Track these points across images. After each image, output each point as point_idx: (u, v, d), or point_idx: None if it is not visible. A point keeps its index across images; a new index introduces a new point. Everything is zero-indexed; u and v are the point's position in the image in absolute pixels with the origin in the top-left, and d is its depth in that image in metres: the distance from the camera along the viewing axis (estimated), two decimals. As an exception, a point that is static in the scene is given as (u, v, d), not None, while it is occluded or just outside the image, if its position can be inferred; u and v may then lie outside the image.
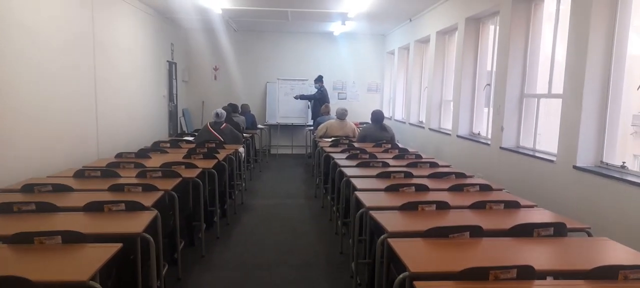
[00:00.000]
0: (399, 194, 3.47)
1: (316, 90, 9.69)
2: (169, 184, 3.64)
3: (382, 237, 2.57)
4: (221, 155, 5.25)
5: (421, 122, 8.39)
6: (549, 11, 4.74)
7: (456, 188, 3.62)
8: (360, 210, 3.18)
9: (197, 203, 4.23)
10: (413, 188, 3.58)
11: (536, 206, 3.20)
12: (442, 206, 3.05)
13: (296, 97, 10.05)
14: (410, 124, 8.57)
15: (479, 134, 6.01)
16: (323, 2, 7.47)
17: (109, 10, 6.05)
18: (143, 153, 5.04)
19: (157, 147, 5.75)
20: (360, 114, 10.69)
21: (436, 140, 7.15)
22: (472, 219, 2.88)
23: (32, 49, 4.21)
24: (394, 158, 5.22)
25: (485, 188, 3.65)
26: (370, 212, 2.93)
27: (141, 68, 7.35)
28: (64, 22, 4.80)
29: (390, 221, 2.73)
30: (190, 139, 6.93)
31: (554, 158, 4.14)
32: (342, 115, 7.31)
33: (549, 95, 4.52)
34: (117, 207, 2.90)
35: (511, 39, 4.85)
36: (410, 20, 8.52)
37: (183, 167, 4.39)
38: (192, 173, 4.12)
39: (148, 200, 3.11)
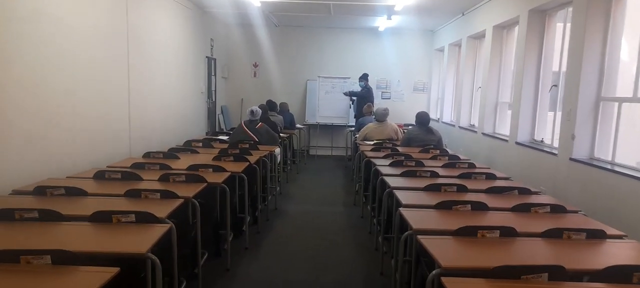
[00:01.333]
0: (451, 214, 2.94)
1: (363, 88, 9.17)
2: (192, 190, 3.29)
3: (433, 272, 2.07)
4: (254, 157, 4.88)
5: (473, 125, 7.71)
6: (633, 1, 4.02)
7: (522, 209, 3.04)
8: (406, 233, 2.68)
9: (224, 211, 3.86)
10: (469, 206, 3.04)
11: (626, 236, 2.58)
12: (508, 232, 2.50)
13: (345, 93, 9.58)
14: (461, 127, 7.90)
15: (542, 141, 5.32)
16: (368, -5, 6.97)
17: (145, 2, 5.82)
18: (172, 153, 4.74)
19: (188, 147, 5.46)
20: (405, 115, 10.10)
21: (490, 146, 6.48)
22: (547, 253, 2.33)
23: (61, 40, 3.98)
24: (444, 166, 4.66)
25: (557, 209, 3.05)
26: (418, 236, 2.43)
27: (178, 63, 7.13)
28: (95, 13, 4.56)
29: (444, 251, 2.23)
30: (225, 138, 6.62)
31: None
32: (381, 116, 6.78)
33: (635, 99, 3.81)
34: (127, 218, 2.55)
35: (587, 33, 4.16)
36: (463, 14, 7.84)
37: (211, 170, 4.04)
38: (219, 178, 3.76)
39: (164, 209, 2.76)
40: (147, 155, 4.66)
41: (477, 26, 7.24)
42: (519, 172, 5.30)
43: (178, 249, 2.85)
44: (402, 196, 3.33)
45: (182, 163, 4.34)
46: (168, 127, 6.65)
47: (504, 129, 6.59)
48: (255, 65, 10.36)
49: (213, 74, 9.17)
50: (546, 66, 5.38)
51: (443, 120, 9.11)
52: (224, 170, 4.05)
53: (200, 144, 5.62)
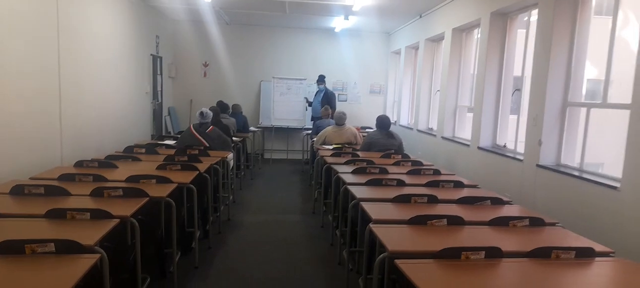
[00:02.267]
0: (427, 231, 2.66)
1: (321, 91, 8.77)
2: (131, 207, 2.82)
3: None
4: (204, 164, 4.43)
5: (431, 129, 7.60)
6: (600, 3, 3.95)
7: (500, 223, 2.82)
8: (382, 256, 2.36)
9: (170, 228, 3.40)
10: (444, 221, 2.77)
11: (613, 253, 2.41)
12: (493, 253, 2.25)
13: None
14: (419, 130, 7.77)
15: (505, 146, 5.22)
16: (325, -7, 6.67)
17: (79, -8, 5.19)
18: (109, 161, 4.19)
19: (129, 153, 4.90)
20: (362, 117, 9.91)
21: (450, 150, 6.35)
22: (540, 276, 2.09)
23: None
24: (409, 173, 4.42)
25: (536, 222, 2.85)
26: (397, 261, 2.13)
27: (119, 60, 6.50)
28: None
29: (427, 279, 1.93)
30: (172, 143, 6.08)
31: (616, 184, 3.35)
32: (340, 119, 6.51)
33: (605, 104, 3.73)
34: (44, 247, 2.06)
35: (554, 36, 4.06)
36: (421, 16, 7.72)
37: (154, 182, 3.57)
38: (164, 191, 3.30)
39: (94, 234, 2.29)
40: (79, 164, 4.08)
41: (435, 28, 7.13)
42: (483, 177, 5.17)
43: (113, 276, 2.40)
44: (370, 209, 3.03)
45: (121, 173, 3.82)
46: (107, 130, 6.02)
47: (464, 133, 6.50)
48: (206, 65, 9.79)
49: (159, 73, 8.53)
50: (508, 70, 5.29)
51: (400, 123, 8.98)
52: (169, 181, 3.58)
53: (143, 150, 5.07)
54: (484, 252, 2.23)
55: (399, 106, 9.16)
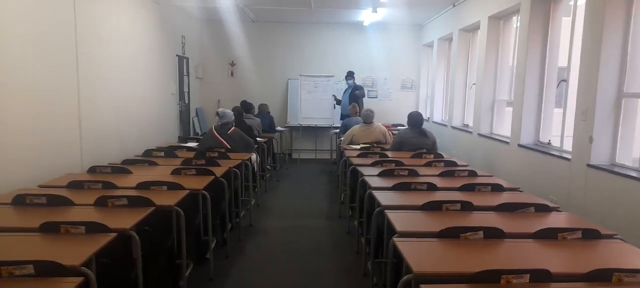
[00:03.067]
0: (460, 246, 2.31)
1: (350, 87, 8.47)
2: (133, 218, 2.63)
3: None
4: (222, 168, 4.20)
5: (467, 125, 7.12)
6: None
7: (547, 235, 2.42)
8: (406, 278, 2.03)
9: (180, 238, 3.18)
10: (481, 233, 2.40)
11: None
12: (541, 277, 1.88)
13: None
14: (453, 127, 7.31)
15: (549, 143, 4.73)
16: (351, -15, 6.33)
17: (97, -7, 5.08)
18: (123, 167, 4.04)
19: (147, 157, 4.75)
20: (393, 114, 9.49)
21: (488, 148, 5.89)
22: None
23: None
24: (441, 175, 4.04)
25: (591, 234, 2.43)
26: (423, 286, 1.79)
27: (143, 61, 6.39)
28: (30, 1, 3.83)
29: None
30: (194, 145, 5.91)
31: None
32: (367, 118, 6.16)
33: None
34: (22, 269, 1.85)
35: (606, 20, 3.58)
36: (454, 5, 7.25)
37: (165, 188, 3.36)
38: (173, 199, 3.08)
39: (84, 251, 2.08)
40: (92, 170, 3.94)
41: (470, 17, 6.65)
42: (525, 178, 4.71)
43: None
44: (396, 218, 2.70)
45: (133, 179, 3.63)
46: (130, 133, 5.91)
47: (503, 130, 6.02)
48: (232, 64, 9.65)
49: (185, 73, 8.43)
50: (551, 59, 4.80)
51: (433, 120, 8.52)
52: (181, 187, 3.37)
53: (162, 154, 4.91)
54: (528, 276, 1.87)
55: (432, 102, 8.70)
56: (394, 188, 3.51)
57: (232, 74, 9.68)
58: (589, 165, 3.70)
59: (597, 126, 3.65)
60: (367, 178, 3.86)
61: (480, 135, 6.13)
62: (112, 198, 2.93)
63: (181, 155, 4.96)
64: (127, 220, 2.59)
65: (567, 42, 4.53)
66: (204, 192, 3.48)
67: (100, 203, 2.90)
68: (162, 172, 4.04)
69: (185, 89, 8.45)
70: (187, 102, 8.50)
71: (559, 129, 4.70)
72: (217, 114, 5.34)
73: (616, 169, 3.55)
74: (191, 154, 4.92)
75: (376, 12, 7.67)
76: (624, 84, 3.61)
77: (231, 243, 4.30)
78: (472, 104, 6.85)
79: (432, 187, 3.53)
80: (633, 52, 3.58)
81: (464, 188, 3.53)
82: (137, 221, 2.63)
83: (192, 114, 8.89)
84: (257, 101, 8.62)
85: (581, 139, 3.82)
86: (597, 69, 3.62)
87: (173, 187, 3.38)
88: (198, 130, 8.98)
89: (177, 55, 7.95)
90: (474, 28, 6.83)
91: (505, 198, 3.32)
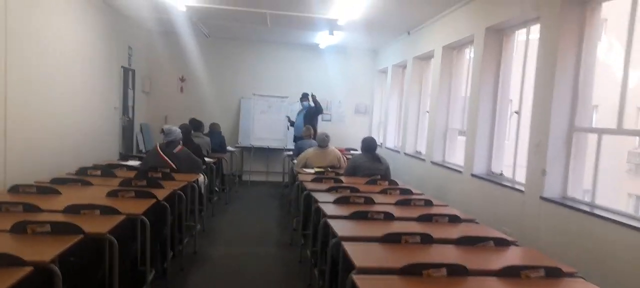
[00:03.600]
0: (425, 283, 2.18)
1: (304, 108, 8.33)
2: (54, 249, 2.27)
3: None
4: (166, 190, 3.87)
5: (419, 152, 7.15)
6: (611, 20, 3.56)
7: (511, 273, 2.32)
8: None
9: (112, 269, 2.83)
10: (444, 271, 2.27)
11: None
12: (511, 322, 1.74)
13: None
14: (406, 154, 7.32)
15: (501, 174, 4.77)
16: (309, 6, 6.23)
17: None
18: (50, 186, 3.60)
19: (81, 176, 4.31)
20: (346, 138, 9.43)
21: (440, 176, 5.89)
22: None
23: None
24: (398, 204, 3.92)
25: (553, 272, 2.36)
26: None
27: (83, 71, 5.92)
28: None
29: None
30: (136, 163, 5.50)
31: (634, 223, 2.90)
32: (322, 141, 6.01)
33: (620, 130, 3.30)
34: None
35: (558, 54, 3.65)
36: (409, 33, 7.34)
37: (97, 212, 3.01)
38: (105, 225, 2.75)
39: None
40: (14, 189, 3.49)
41: (424, 46, 6.74)
42: (478, 208, 4.70)
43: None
44: (354, 251, 2.53)
45: (61, 201, 3.23)
46: (65, 148, 5.41)
47: (455, 158, 6.06)
48: (182, 80, 9.25)
49: (130, 87, 7.95)
50: (503, 91, 4.89)
51: (386, 146, 8.53)
52: (116, 212, 3.02)
53: (98, 172, 4.48)
54: (499, 322, 1.73)
55: (385, 127, 8.72)
56: (351, 217, 3.33)
57: (181, 90, 9.27)
58: (542, 198, 3.72)
59: (550, 159, 3.69)
60: (322, 205, 3.68)
61: (433, 163, 6.14)
62: (33, 223, 2.56)
63: (120, 174, 4.56)
64: (48, 251, 2.25)
65: (518, 74, 4.62)
66: (142, 217, 3.15)
67: (18, 229, 2.52)
68: (96, 193, 3.65)
69: (130, 103, 7.96)
70: (131, 116, 8.00)
71: (510, 160, 4.76)
72: (163, 131, 5.00)
73: (568, 202, 3.59)
74: (132, 174, 4.53)
75: (332, 34, 7.62)
76: (575, 117, 3.69)
77: (172, 274, 3.94)
78: (425, 131, 6.89)
79: (389, 217, 3.40)
80: (584, 88, 3.67)
81: (421, 219, 3.42)
82: (60, 251, 2.29)
83: (136, 129, 8.39)
84: (208, 119, 8.25)
85: (534, 171, 3.85)
86: (549, 103, 3.68)
87: (107, 211, 3.03)
88: (142, 147, 8.46)
89: (122, 66, 7.50)
90: (428, 57, 6.93)
91: (462, 230, 3.24)
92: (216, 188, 7.30)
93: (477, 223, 3.55)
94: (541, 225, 3.75)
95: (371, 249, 2.68)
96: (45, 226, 2.55)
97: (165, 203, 3.65)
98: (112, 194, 3.54)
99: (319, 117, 9.19)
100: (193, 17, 7.39)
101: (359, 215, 3.36)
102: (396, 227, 3.20)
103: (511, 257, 2.71)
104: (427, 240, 2.84)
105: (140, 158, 5.78)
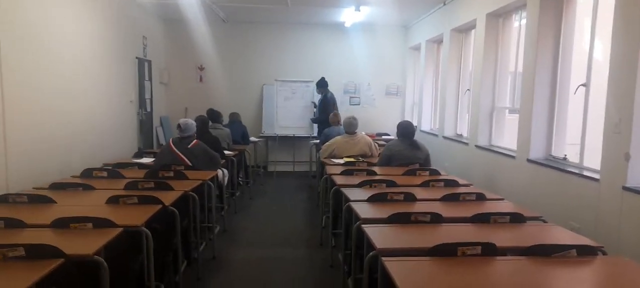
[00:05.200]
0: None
1: (319, 97, 7.82)
2: (26, 278, 1.82)
3: None
4: (174, 193, 3.39)
5: (460, 135, 6.46)
6: None
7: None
8: None
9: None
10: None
11: None
12: None
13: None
14: (445, 137, 6.64)
15: (564, 158, 4.06)
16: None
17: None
18: (45, 194, 3.16)
19: (86, 178, 3.89)
20: (377, 123, 8.81)
21: (488, 162, 5.21)
22: None
23: None
24: (444, 200, 3.31)
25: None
26: None
27: (93, 64, 5.50)
28: None
29: None
30: (150, 161, 5.07)
31: None
32: (350, 127, 5.43)
33: None
34: None
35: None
36: (445, 3, 6.60)
37: (90, 226, 2.54)
38: (95, 243, 2.28)
39: None
40: (2, 199, 3.07)
41: (464, 16, 6.00)
42: (537, 200, 4.04)
43: None
44: (398, 269, 1.98)
45: (52, 212, 2.80)
46: (76, 148, 5.03)
47: (503, 141, 5.36)
48: (201, 69, 8.80)
49: (147, 78, 7.55)
50: (565, 60, 4.15)
51: (422, 129, 7.84)
52: (112, 225, 2.55)
53: (105, 174, 4.05)
54: None
55: (420, 109, 8.02)
56: (389, 220, 2.75)
57: (201, 79, 8.82)
58: (625, 188, 3.03)
59: (635, 140, 2.98)
60: (355, 205, 3.11)
61: (478, 147, 5.45)
62: (4, 247, 2.10)
63: (129, 174, 4.10)
64: (18, 282, 1.78)
65: (582, 41, 3.88)
66: (143, 229, 2.66)
67: (-16, 253, 2.07)
68: (96, 199, 3.20)
69: (147, 96, 7.56)
70: (149, 110, 7.61)
71: (574, 141, 4.05)
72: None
73: (660, 193, 2.89)
74: (142, 174, 4.08)
75: (359, 10, 6.97)
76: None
77: (187, 284, 3.48)
78: (466, 111, 6.20)
79: (436, 218, 2.80)
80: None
81: (476, 220, 2.81)
82: (33, 282, 1.83)
83: (156, 123, 8.01)
84: (229, 109, 7.80)
85: (613, 155, 3.15)
86: (635, 73, 2.96)
87: (101, 224, 2.56)
88: (162, 141, 8.09)
89: (137, 57, 7.08)
90: (468, 28, 6.19)
91: (530, 233, 2.63)
92: (240, 182, 6.85)
93: (544, 221, 2.91)
94: (623, 223, 3.06)
95: (419, 267, 2.11)
96: (18, 250, 2.09)
97: (174, 208, 3.16)
98: (112, 201, 3.07)
99: (348, 100, 8.65)
100: (208, 1, 6.88)
101: (400, 218, 2.77)
102: (447, 233, 2.61)
103: (601, 272, 2.08)
104: (489, 251, 2.24)
105: (155, 155, 5.35)
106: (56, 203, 3.07)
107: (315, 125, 8.11)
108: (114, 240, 2.45)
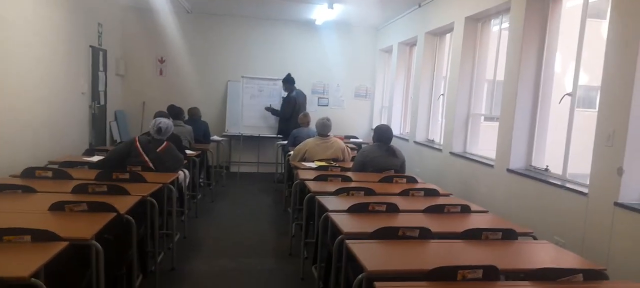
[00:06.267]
0: None
1: (285, 94, 7.51)
2: None
3: None
4: (131, 198, 2.99)
5: (432, 141, 6.32)
6: None
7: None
8: None
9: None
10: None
11: None
12: None
13: (267, 109, 7.80)
14: (417, 142, 6.48)
15: (546, 169, 3.95)
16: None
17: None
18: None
19: (27, 179, 3.40)
20: (346, 125, 8.60)
21: (463, 171, 5.07)
22: None
23: None
24: (429, 212, 3.10)
25: None
26: None
27: (41, 52, 4.93)
28: None
29: None
30: (98, 160, 4.58)
31: None
32: (323, 128, 5.16)
33: None
34: None
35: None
36: (420, 5, 6.45)
37: (28, 239, 2.14)
38: (34, 262, 1.89)
39: None
40: None
41: (440, 19, 5.86)
42: (518, 212, 3.92)
43: None
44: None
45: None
46: (20, 143, 4.48)
47: (477, 148, 5.26)
48: (162, 61, 8.26)
49: (101, 69, 6.97)
50: (548, 68, 4.05)
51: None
52: (56, 238, 2.15)
53: (50, 174, 3.56)
54: None
55: (390, 113, 7.86)
56: (376, 235, 2.50)
57: (161, 72, 8.28)
58: (617, 204, 2.91)
59: (629, 154, 2.87)
60: (334, 217, 2.83)
61: (452, 153, 5.31)
62: None
63: (78, 175, 3.64)
64: None
65: (567, 47, 3.79)
66: (92, 242, 2.27)
67: None
68: (38, 204, 2.76)
69: (101, 88, 6.98)
70: (102, 103, 7.03)
71: (553, 153, 3.97)
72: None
73: (652, 210, 2.79)
74: (93, 174, 3.62)
75: (332, 8, 6.71)
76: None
77: (142, 304, 3.08)
78: (439, 117, 6.07)
79: (426, 234, 2.57)
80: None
81: (468, 236, 2.61)
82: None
83: (110, 118, 7.42)
84: (191, 104, 7.33)
85: (604, 169, 3.04)
86: (631, 83, 2.85)
87: (42, 236, 2.15)
88: (117, 137, 7.52)
89: (91, 46, 6.50)
90: (443, 31, 6.06)
91: (525, 252, 2.46)
92: (201, 183, 6.42)
93: (534, 237, 2.76)
94: (615, 240, 2.94)
95: (419, 293, 1.85)
96: None
97: (129, 217, 2.76)
98: (57, 207, 2.64)
99: (317, 101, 8.35)
100: (172, -12, 6.42)
101: (387, 233, 2.53)
102: (440, 252, 2.40)
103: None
104: (491, 275, 2.03)
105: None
106: (-16, 211, 2.61)
107: (276, 124, 7.77)
108: (55, 258, 2.05)
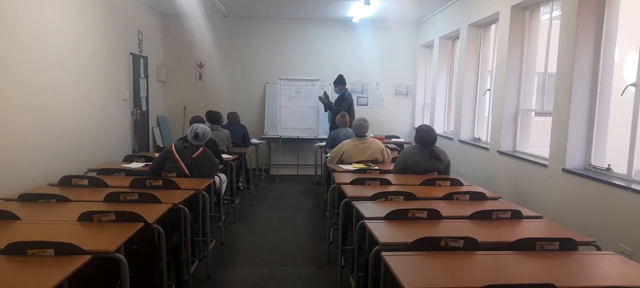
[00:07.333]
0: None
1: (337, 95, 7.30)
2: None
3: None
4: (162, 206, 2.93)
5: (478, 139, 5.96)
6: None
7: None
8: None
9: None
10: None
11: None
12: None
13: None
14: (461, 141, 6.14)
15: (608, 169, 3.56)
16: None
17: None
18: (7, 210, 2.69)
19: (63, 187, 3.43)
20: (386, 125, 8.34)
21: (513, 172, 4.71)
22: None
23: None
24: (474, 218, 2.84)
25: None
26: None
27: (81, 61, 5.04)
28: None
29: None
30: (139, 166, 4.61)
31: None
32: (360, 129, 4.96)
33: None
34: None
35: None
36: (462, -3, 6.11)
37: (51, 253, 2.09)
38: (55, 276, 1.82)
39: None
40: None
41: (484, 9, 5.51)
42: (576, 217, 3.56)
43: None
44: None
45: (12, 232, 2.36)
46: (60, 150, 4.58)
47: (528, 146, 4.88)
48: (201, 66, 8.33)
49: (142, 75, 7.10)
50: (607, 58, 3.66)
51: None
52: (78, 251, 2.09)
53: (86, 182, 3.58)
54: None
55: (432, 110, 7.53)
56: (415, 246, 2.29)
57: (200, 77, 8.35)
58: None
59: None
60: (370, 225, 2.64)
61: (500, 152, 4.96)
62: None
63: (113, 183, 3.64)
64: None
65: (629, 35, 3.39)
66: (117, 255, 2.20)
67: None
68: (68, 214, 2.74)
69: (143, 94, 7.12)
70: (144, 109, 7.17)
71: (615, 150, 3.57)
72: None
73: None
74: (126, 183, 3.61)
75: (369, 4, 6.47)
76: None
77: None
78: (486, 113, 5.71)
79: (471, 244, 2.33)
80: None
81: (518, 246, 2.34)
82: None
83: (152, 123, 7.56)
84: (230, 108, 7.38)
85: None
86: None
87: (65, 250, 2.10)
88: (160, 142, 7.65)
89: (131, 53, 6.63)
90: (488, 22, 5.69)
91: (588, 266, 2.16)
92: (240, 187, 6.39)
93: (598, 247, 2.44)
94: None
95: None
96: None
97: (158, 226, 2.69)
98: (85, 218, 2.61)
99: (356, 100, 8.11)
100: (207, -8, 6.43)
101: (428, 244, 2.31)
102: (488, 266, 2.14)
103: None
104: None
105: (149, 159, 4.88)
106: (20, 220, 2.61)
107: (326, 125, 7.60)
108: (80, 269, 1.99)
